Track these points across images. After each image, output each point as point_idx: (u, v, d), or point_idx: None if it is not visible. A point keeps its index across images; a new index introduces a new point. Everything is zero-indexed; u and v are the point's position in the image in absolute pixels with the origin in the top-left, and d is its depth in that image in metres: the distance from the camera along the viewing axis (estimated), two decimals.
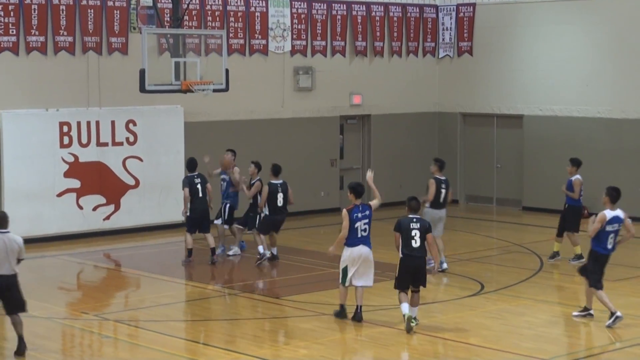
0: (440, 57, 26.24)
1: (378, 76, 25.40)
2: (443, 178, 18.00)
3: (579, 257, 18.08)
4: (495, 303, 15.61)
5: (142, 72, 18.67)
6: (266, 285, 17.40)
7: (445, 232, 18.73)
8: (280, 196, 18.37)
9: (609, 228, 14.25)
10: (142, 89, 18.84)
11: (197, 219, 18.60)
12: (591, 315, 14.46)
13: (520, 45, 24.97)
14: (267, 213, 18.43)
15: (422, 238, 14.01)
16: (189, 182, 18.63)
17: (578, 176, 18.64)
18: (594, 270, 14.36)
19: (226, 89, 19.70)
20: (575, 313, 14.61)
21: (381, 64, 25.43)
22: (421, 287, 14.14)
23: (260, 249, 18.39)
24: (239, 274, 18.54)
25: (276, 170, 18.54)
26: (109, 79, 21.35)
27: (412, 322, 13.77)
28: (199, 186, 18.65)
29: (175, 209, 21.64)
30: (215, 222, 19.42)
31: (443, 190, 17.85)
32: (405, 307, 13.91)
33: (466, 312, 15.11)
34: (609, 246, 14.34)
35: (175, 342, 13.64)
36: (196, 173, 18.84)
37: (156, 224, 22.07)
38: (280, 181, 18.51)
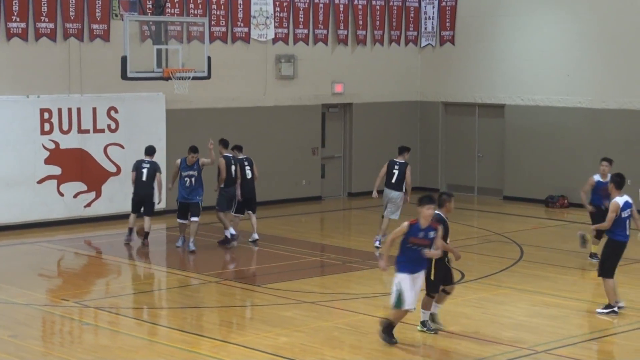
0: (422, 46, 26.24)
1: (360, 65, 25.39)
2: (400, 161, 18.98)
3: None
4: (476, 292, 15.65)
5: (123, 59, 18.61)
6: (247, 273, 17.40)
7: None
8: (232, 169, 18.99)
9: (624, 214, 14.27)
10: (124, 76, 18.78)
11: (138, 201, 19.29)
12: (615, 312, 14.27)
13: (502, 35, 25.01)
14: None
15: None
16: (135, 167, 19.40)
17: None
18: (610, 259, 14.32)
19: (208, 77, 19.65)
20: (599, 310, 14.50)
21: (363, 53, 25.42)
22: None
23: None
24: (220, 261, 18.53)
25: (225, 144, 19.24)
26: (91, 66, 21.27)
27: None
28: (144, 170, 19.26)
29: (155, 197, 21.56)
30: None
31: (395, 172, 18.74)
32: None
33: (446, 301, 15.09)
34: (627, 232, 14.35)
35: (155, 329, 13.66)
36: (147, 159, 19.37)
37: None
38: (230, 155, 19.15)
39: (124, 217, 21.63)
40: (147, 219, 19.24)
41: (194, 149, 18.94)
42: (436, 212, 12.96)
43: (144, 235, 19.20)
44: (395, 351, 12.63)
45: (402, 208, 18.85)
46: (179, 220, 19.02)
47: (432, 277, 13.16)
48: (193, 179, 18.80)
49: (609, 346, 12.62)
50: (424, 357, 12.71)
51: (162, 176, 19.51)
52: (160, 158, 21.85)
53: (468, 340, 13.04)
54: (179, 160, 19.06)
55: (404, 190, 18.81)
